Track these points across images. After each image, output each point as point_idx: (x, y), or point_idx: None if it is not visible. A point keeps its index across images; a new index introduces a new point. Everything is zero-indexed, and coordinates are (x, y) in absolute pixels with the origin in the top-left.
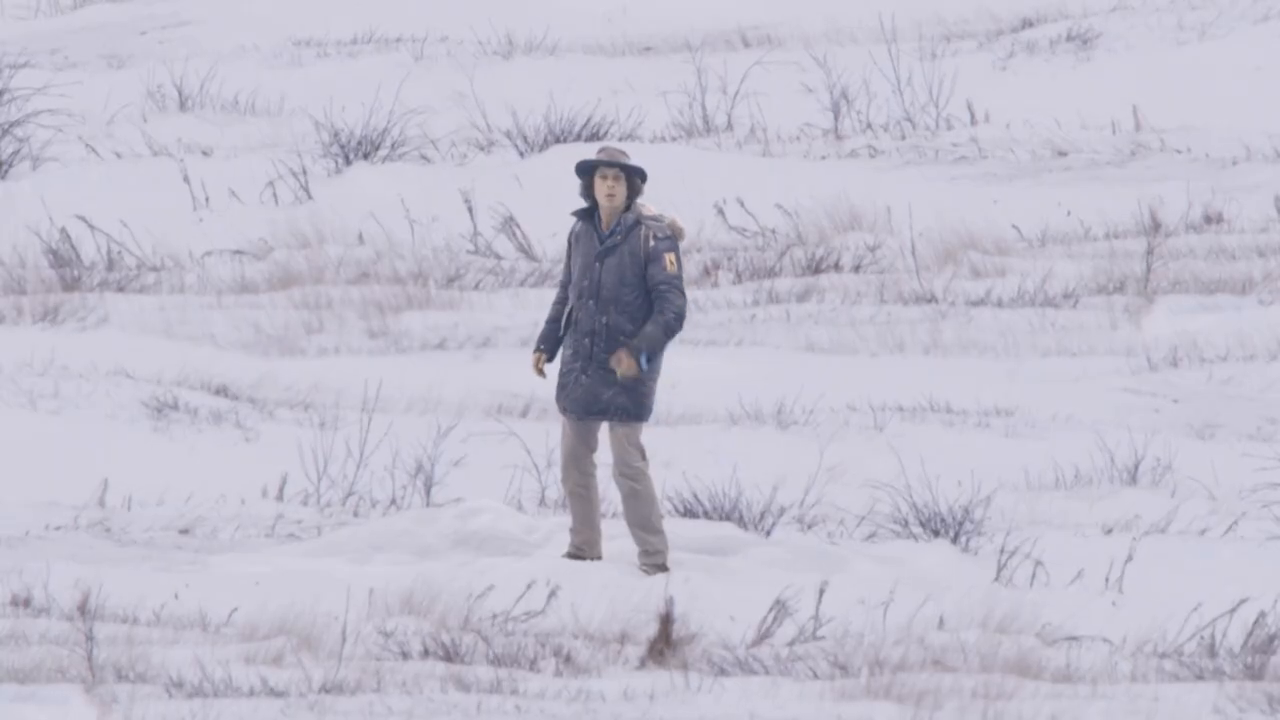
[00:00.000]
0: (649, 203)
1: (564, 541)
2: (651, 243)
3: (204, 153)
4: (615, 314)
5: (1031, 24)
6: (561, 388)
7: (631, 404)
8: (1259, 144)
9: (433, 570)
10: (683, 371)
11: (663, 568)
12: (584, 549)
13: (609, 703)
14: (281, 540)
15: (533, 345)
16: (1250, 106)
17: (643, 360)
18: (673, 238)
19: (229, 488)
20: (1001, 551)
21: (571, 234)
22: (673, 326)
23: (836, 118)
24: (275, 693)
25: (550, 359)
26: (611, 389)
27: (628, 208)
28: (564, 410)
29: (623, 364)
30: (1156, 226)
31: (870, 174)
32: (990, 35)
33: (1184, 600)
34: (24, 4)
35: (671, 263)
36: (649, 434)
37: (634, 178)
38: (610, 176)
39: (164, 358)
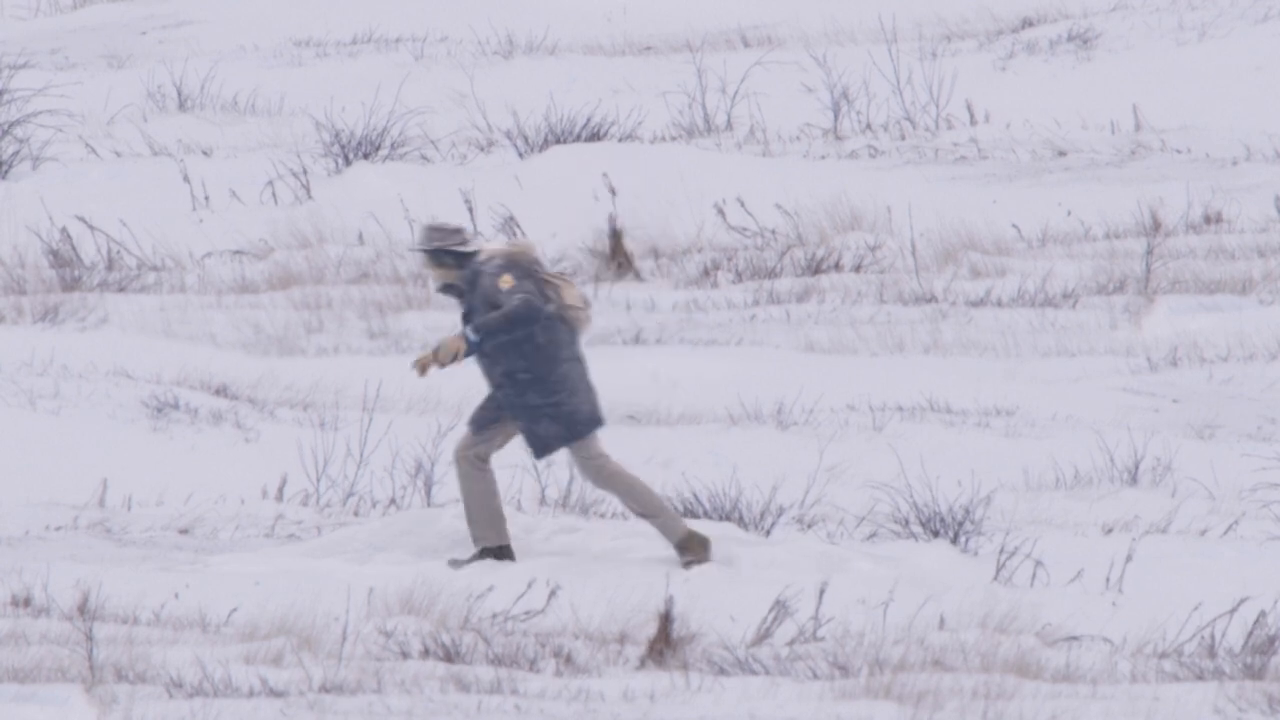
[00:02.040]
0: (492, 240)
1: (564, 542)
2: (486, 281)
3: (204, 153)
4: (505, 360)
5: (1031, 24)
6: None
7: (564, 429)
8: (1259, 144)
9: (433, 570)
10: (683, 371)
11: (688, 545)
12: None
13: (609, 703)
14: (281, 540)
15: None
16: (1250, 106)
17: (469, 332)
18: (503, 263)
19: (229, 488)
20: (1001, 551)
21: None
22: (515, 311)
23: (836, 118)
24: (275, 693)
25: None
26: (539, 423)
27: (463, 266)
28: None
29: (437, 356)
30: (1156, 226)
31: (870, 174)
32: (990, 35)
33: (1184, 600)
34: (24, 4)
35: (506, 281)
36: (649, 434)
37: (438, 254)
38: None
39: (164, 358)
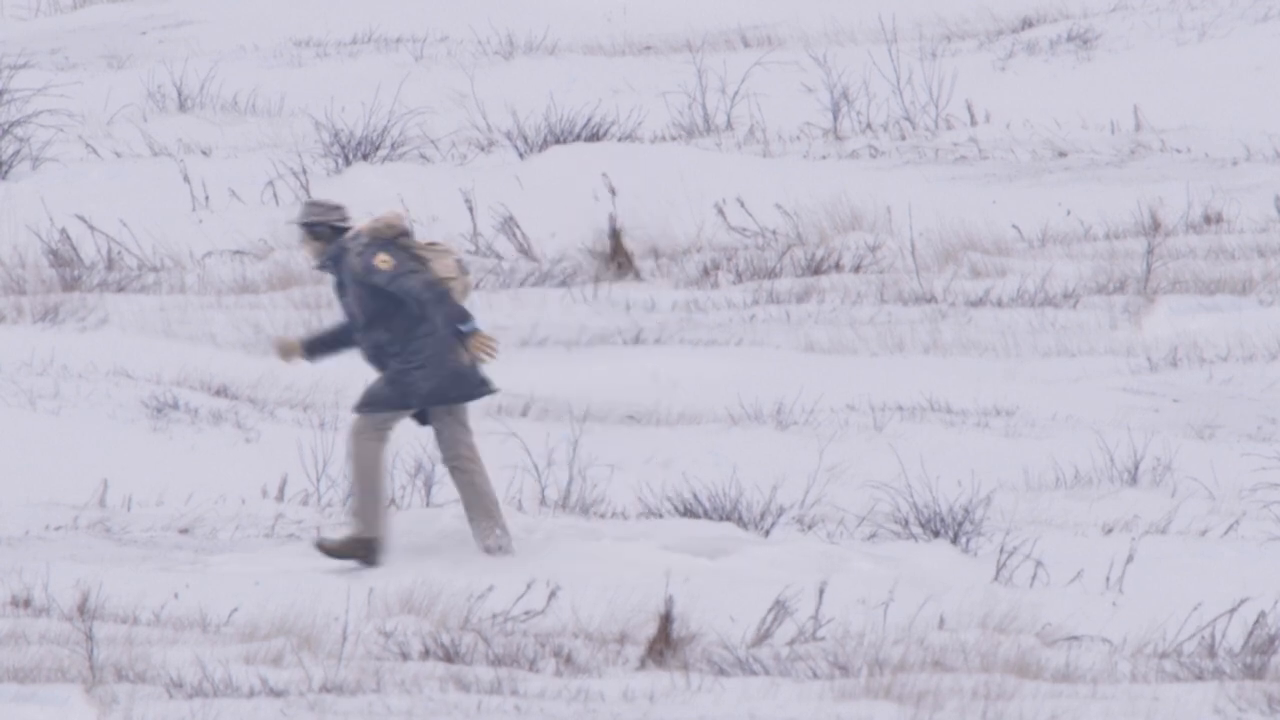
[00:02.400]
0: (364, 218)
1: (564, 542)
2: (356, 260)
3: (204, 153)
4: (374, 332)
5: (1031, 24)
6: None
7: (394, 393)
8: (1259, 144)
9: (433, 570)
10: (683, 371)
11: (353, 549)
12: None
13: (609, 703)
14: (281, 540)
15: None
16: (1250, 106)
17: (464, 328)
18: (372, 240)
19: (229, 488)
20: (1001, 551)
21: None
22: (433, 301)
23: (836, 118)
24: (275, 693)
25: (306, 358)
26: (378, 384)
27: (332, 240)
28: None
29: (475, 351)
30: (1156, 226)
31: (870, 174)
32: (990, 35)
33: (1184, 600)
34: (24, 4)
35: (384, 261)
36: (649, 434)
37: (315, 228)
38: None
39: (164, 358)
